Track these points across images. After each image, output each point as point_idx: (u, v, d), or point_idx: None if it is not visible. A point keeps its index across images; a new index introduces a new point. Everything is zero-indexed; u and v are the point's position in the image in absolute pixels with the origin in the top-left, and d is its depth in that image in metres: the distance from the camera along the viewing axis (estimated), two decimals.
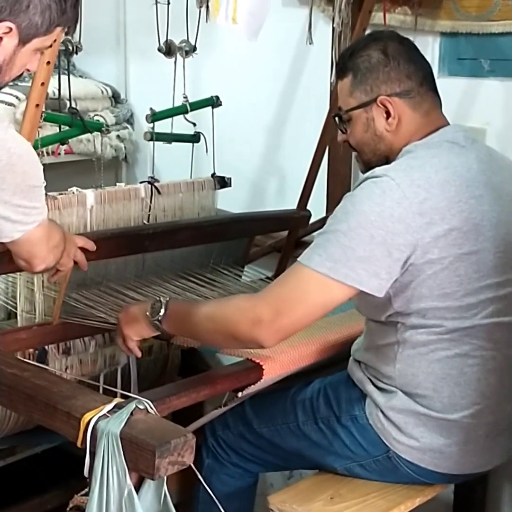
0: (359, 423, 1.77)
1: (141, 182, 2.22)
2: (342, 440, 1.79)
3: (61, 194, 1.99)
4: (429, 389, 1.70)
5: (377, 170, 1.66)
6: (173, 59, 2.27)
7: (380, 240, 1.59)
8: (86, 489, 1.47)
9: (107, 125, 2.14)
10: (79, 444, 1.42)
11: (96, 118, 2.49)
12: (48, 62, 1.71)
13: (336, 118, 1.83)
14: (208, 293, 2.19)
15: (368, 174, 1.67)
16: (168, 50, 2.26)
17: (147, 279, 2.17)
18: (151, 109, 2.25)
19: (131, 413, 1.41)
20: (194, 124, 2.34)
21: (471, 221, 1.65)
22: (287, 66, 2.69)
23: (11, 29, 1.40)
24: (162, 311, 1.76)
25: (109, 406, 1.43)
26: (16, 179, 1.43)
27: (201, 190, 2.32)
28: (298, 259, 1.65)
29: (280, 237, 2.58)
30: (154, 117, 2.25)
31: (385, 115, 1.75)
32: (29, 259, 1.60)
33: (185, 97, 2.30)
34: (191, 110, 2.32)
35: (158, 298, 1.80)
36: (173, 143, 2.37)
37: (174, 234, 2.15)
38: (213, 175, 2.35)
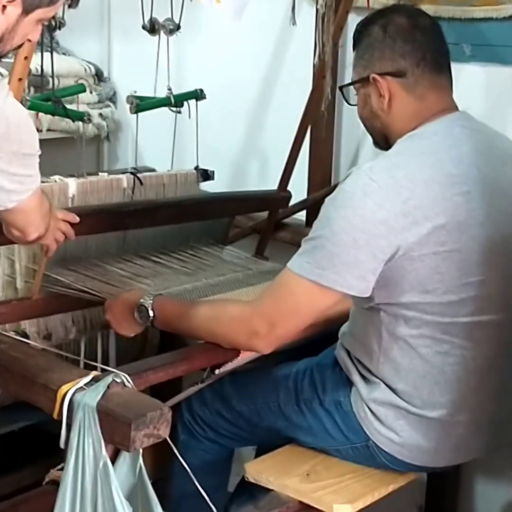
0: (342, 410, 1.77)
1: (123, 173, 2.23)
2: (322, 423, 1.79)
3: (43, 182, 1.99)
4: (410, 385, 1.70)
5: (361, 169, 1.65)
6: (157, 37, 2.27)
7: (363, 244, 1.59)
8: (62, 464, 1.48)
9: (89, 115, 2.16)
10: (55, 416, 1.43)
11: (80, 81, 2.49)
12: (26, 57, 1.71)
13: (342, 89, 1.87)
14: (188, 272, 2.19)
15: (352, 170, 1.66)
16: (152, 28, 2.26)
17: (127, 257, 2.18)
18: (133, 95, 2.25)
19: (108, 387, 1.42)
20: (180, 112, 2.35)
21: (455, 219, 1.63)
22: (271, 47, 2.69)
23: None
24: (151, 314, 1.81)
25: (86, 379, 1.44)
26: (13, 147, 1.43)
27: (184, 182, 2.32)
28: (287, 265, 1.67)
29: (260, 219, 2.59)
30: (137, 108, 2.26)
31: (378, 93, 1.73)
32: (23, 228, 1.60)
33: (169, 89, 2.32)
34: (175, 102, 2.34)
35: (141, 301, 1.82)
36: (156, 125, 2.36)
37: (155, 212, 2.16)
38: (196, 168, 2.35)
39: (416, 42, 1.71)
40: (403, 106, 1.73)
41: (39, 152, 1.50)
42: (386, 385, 1.72)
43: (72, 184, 2.04)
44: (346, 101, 1.88)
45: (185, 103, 2.35)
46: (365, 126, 1.83)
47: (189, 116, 2.32)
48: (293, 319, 1.68)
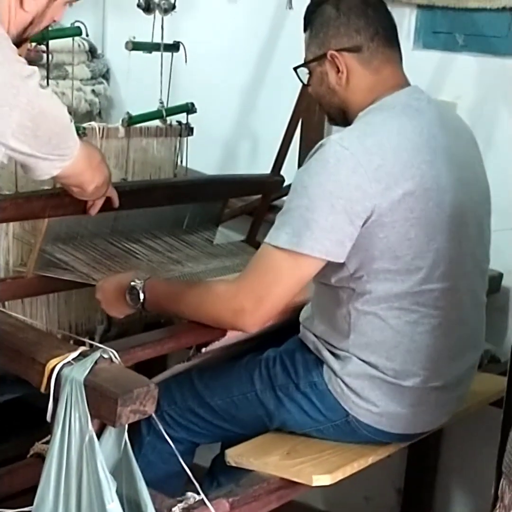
0: (318, 389, 1.78)
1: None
2: (301, 406, 1.80)
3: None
4: (383, 357, 1.74)
5: (331, 138, 1.68)
6: (152, 16, 2.27)
7: (340, 209, 1.63)
8: (48, 437, 1.50)
9: (84, 129, 2.17)
10: (43, 389, 1.44)
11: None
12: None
13: (297, 70, 1.88)
14: (181, 255, 2.21)
15: (324, 140, 1.69)
16: (147, 6, 2.26)
17: (122, 237, 2.18)
18: (127, 112, 2.26)
19: (96, 362, 1.43)
20: (170, 125, 2.36)
21: (422, 186, 1.68)
22: (265, 29, 2.70)
23: None
24: (142, 297, 1.81)
25: (74, 354, 1.45)
26: (50, 124, 1.48)
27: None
28: (265, 240, 1.69)
29: (250, 200, 2.60)
30: (130, 121, 2.27)
31: (335, 70, 1.78)
32: (78, 185, 1.73)
33: (161, 103, 2.33)
34: (167, 116, 2.35)
35: (133, 284, 1.82)
36: (149, 106, 2.37)
37: (150, 193, 2.15)
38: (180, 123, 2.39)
39: (369, 18, 1.76)
40: (360, 80, 1.77)
41: (72, 120, 1.57)
42: (359, 358, 1.74)
43: None
44: (301, 80, 1.89)
45: (181, 47, 2.36)
46: (320, 103, 1.88)
47: (186, 62, 2.33)
48: (278, 292, 1.68)
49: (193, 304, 1.77)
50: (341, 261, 1.67)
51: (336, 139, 1.67)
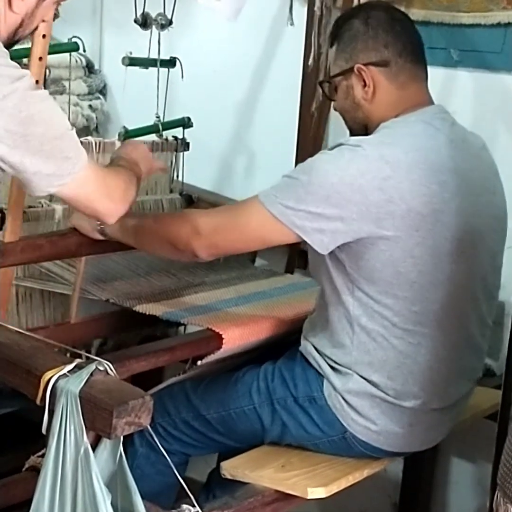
0: (317, 404, 1.79)
1: None
2: (298, 421, 1.80)
3: (30, 207, 2.04)
4: (384, 376, 1.74)
5: (353, 139, 1.70)
6: (149, 31, 2.29)
7: (333, 203, 1.64)
8: (43, 451, 1.50)
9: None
10: (38, 401, 1.44)
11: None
12: (44, 36, 1.74)
13: (322, 85, 1.91)
14: (222, 290, 2.20)
15: (344, 140, 1.71)
16: (144, 22, 2.28)
17: (155, 275, 2.19)
18: (124, 127, 2.27)
19: (91, 374, 1.43)
20: (166, 140, 2.37)
21: (431, 206, 1.67)
22: (262, 44, 2.70)
23: None
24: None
25: (70, 366, 1.44)
26: (39, 127, 1.41)
27: (169, 207, 2.32)
28: (259, 192, 1.72)
29: None
30: (127, 135, 2.28)
31: (362, 84, 1.78)
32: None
33: (158, 117, 2.35)
34: (163, 130, 2.37)
35: None
36: (145, 121, 2.38)
37: None
38: (181, 193, 2.40)
39: (397, 33, 1.78)
40: (385, 95, 1.78)
41: (72, 129, 1.48)
42: (360, 375, 1.75)
43: (58, 210, 2.08)
44: (327, 96, 1.91)
45: (177, 62, 2.37)
46: (344, 118, 1.88)
47: (182, 77, 2.35)
48: (236, 236, 1.73)
49: (160, 219, 1.81)
50: (318, 250, 1.68)
51: (357, 141, 1.69)
